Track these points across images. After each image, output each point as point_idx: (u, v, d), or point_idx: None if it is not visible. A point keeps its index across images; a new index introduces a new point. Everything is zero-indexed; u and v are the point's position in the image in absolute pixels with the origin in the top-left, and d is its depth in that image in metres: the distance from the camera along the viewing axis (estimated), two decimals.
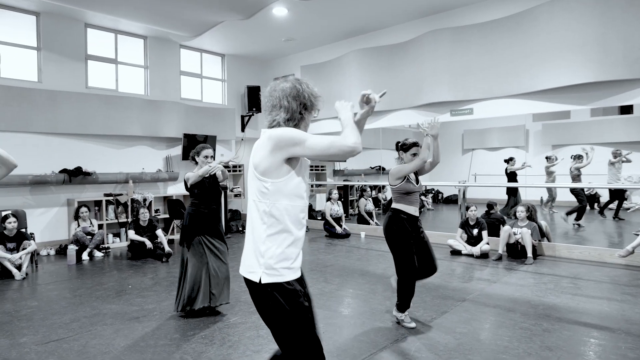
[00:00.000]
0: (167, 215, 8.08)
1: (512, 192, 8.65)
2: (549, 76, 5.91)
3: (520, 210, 6.06)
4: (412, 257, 3.46)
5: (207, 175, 3.94)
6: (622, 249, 5.30)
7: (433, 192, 12.12)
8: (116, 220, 7.46)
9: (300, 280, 1.75)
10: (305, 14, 7.20)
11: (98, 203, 7.38)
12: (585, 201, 7.67)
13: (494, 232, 6.45)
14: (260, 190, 1.69)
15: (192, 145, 8.39)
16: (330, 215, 8.15)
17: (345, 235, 8.05)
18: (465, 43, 6.74)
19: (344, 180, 10.49)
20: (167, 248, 6.51)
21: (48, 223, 7.00)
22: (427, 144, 3.51)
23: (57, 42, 7.11)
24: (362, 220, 8.91)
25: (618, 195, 8.02)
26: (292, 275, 1.69)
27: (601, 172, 7.92)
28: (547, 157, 8.63)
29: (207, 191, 3.97)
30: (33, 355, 3.08)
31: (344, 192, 10.19)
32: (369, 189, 9.40)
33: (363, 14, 7.29)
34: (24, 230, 5.93)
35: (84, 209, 6.72)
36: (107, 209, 7.40)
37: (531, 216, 6.08)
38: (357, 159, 10.43)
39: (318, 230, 8.82)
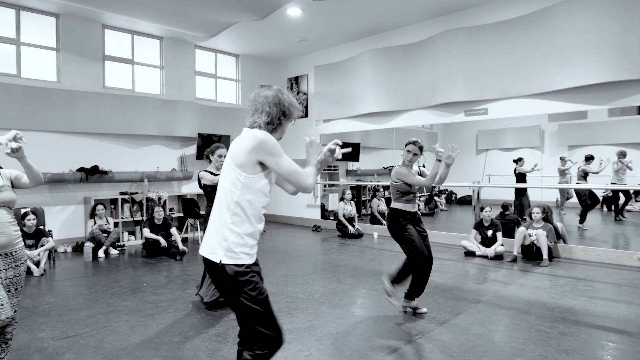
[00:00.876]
0: (181, 214, 8.17)
1: (520, 193, 8.53)
2: (565, 76, 5.83)
3: (536, 212, 5.98)
4: (420, 241, 3.67)
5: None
6: None
7: (446, 192, 12.02)
8: (131, 219, 7.56)
9: (255, 265, 1.94)
10: (319, 14, 7.21)
11: (114, 201, 7.48)
12: (588, 202, 7.60)
13: (509, 234, 6.38)
14: (233, 181, 1.87)
15: (207, 144, 8.47)
16: (343, 215, 8.15)
17: (358, 235, 8.04)
18: (480, 43, 6.68)
19: (356, 181, 10.47)
20: (181, 246, 6.57)
21: (65, 220, 7.13)
22: (436, 169, 3.66)
23: (76, 43, 7.24)
24: (374, 220, 8.89)
25: (626, 195, 7.92)
26: (249, 260, 1.89)
27: (608, 173, 7.80)
28: (561, 158, 8.50)
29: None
30: (51, 350, 3.14)
31: (357, 192, 10.17)
32: (381, 190, 9.37)
33: (377, 14, 7.27)
34: (42, 227, 6.05)
35: (100, 207, 6.83)
36: (122, 207, 7.50)
37: (547, 217, 6.00)
38: (370, 158, 10.40)
39: (331, 230, 8.82)
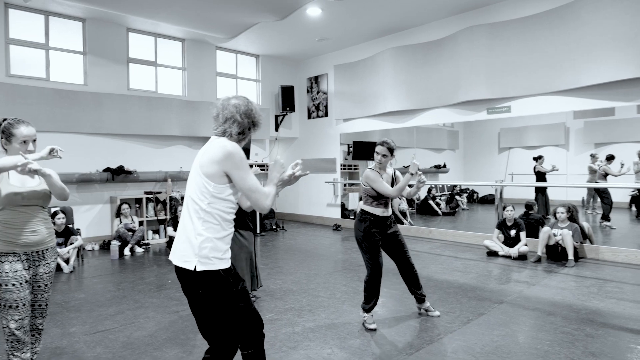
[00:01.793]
0: None
1: (540, 191, 8.36)
2: (593, 72, 5.70)
3: (561, 211, 5.86)
4: (377, 256, 3.50)
5: None
6: None
7: (468, 191, 11.87)
8: (155, 218, 7.72)
9: (229, 271, 1.95)
10: (339, 13, 7.22)
11: (139, 200, 7.66)
12: (609, 201, 7.44)
13: (533, 234, 6.27)
14: (201, 189, 1.90)
15: None
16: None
17: None
18: (503, 39, 6.58)
19: None
20: None
21: (93, 219, 7.33)
22: (406, 182, 3.44)
23: (102, 47, 7.43)
24: (395, 219, 8.85)
25: None
26: (222, 265, 1.90)
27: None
28: (591, 155, 8.29)
29: None
30: (82, 344, 3.25)
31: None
32: None
33: (397, 12, 7.24)
34: (71, 226, 6.24)
35: (125, 206, 7.00)
36: (147, 207, 7.67)
37: (572, 217, 5.87)
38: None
39: (351, 229, 8.83)
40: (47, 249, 2.49)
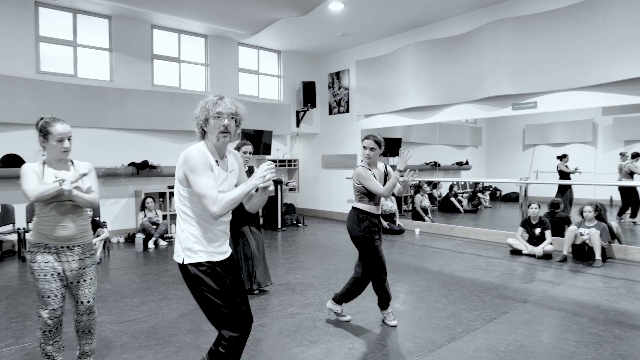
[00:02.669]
0: None
1: (562, 190, 8.16)
2: (622, 66, 5.51)
3: (588, 210, 5.71)
4: (381, 255, 3.42)
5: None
6: None
7: (490, 189, 11.68)
8: None
9: (222, 264, 2.06)
10: (361, 8, 7.17)
11: (162, 195, 7.80)
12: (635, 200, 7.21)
13: (558, 232, 6.13)
14: (179, 192, 2.04)
15: (250, 140, 8.66)
16: (384, 211, 8.11)
17: (399, 231, 7.98)
18: (529, 33, 6.43)
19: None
20: None
21: (118, 213, 7.50)
22: (395, 181, 3.31)
23: (127, 43, 7.57)
24: (416, 216, 8.79)
25: None
26: (208, 257, 2.01)
27: None
28: (621, 154, 8.05)
29: None
30: (109, 333, 3.33)
31: None
32: (425, 185, 9.25)
33: (420, 6, 7.14)
34: (97, 218, 6.40)
35: (149, 200, 7.14)
36: (170, 201, 7.80)
37: (600, 216, 5.72)
38: (412, 154, 10.29)
39: None
40: (78, 245, 2.51)
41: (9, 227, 6.23)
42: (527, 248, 5.98)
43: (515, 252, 6.09)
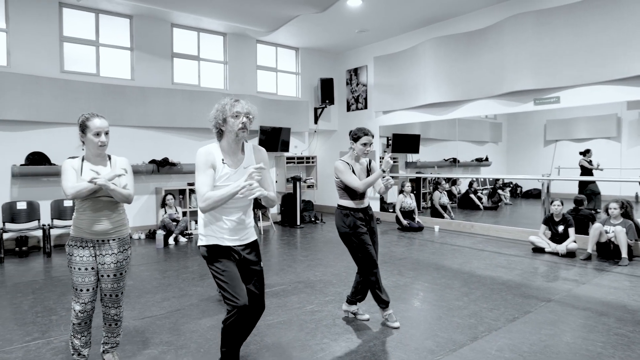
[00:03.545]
0: None
1: (583, 187, 7.96)
2: None
3: (613, 207, 5.56)
4: (369, 249, 3.34)
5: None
6: None
7: (511, 185, 11.48)
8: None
9: (234, 249, 2.37)
10: (379, 4, 7.11)
11: (182, 192, 7.90)
12: None
13: (582, 230, 5.99)
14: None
15: (268, 137, 8.70)
16: (403, 208, 8.06)
17: (418, 228, 7.92)
18: (551, 26, 6.28)
19: (416, 173, 10.28)
20: None
21: (139, 209, 7.63)
22: (375, 179, 3.32)
23: (148, 42, 7.67)
24: (435, 213, 8.70)
25: None
26: (215, 241, 2.34)
27: None
28: None
29: None
30: (131, 328, 3.39)
31: (416, 185, 9.99)
32: (444, 182, 9.15)
33: (439, 1, 7.04)
34: None
35: (170, 197, 7.24)
36: (190, 198, 7.89)
37: (626, 213, 5.57)
38: (430, 150, 10.16)
39: (390, 222, 8.76)
40: (112, 239, 2.57)
41: (35, 224, 6.41)
42: (549, 246, 5.86)
43: (538, 250, 5.98)
